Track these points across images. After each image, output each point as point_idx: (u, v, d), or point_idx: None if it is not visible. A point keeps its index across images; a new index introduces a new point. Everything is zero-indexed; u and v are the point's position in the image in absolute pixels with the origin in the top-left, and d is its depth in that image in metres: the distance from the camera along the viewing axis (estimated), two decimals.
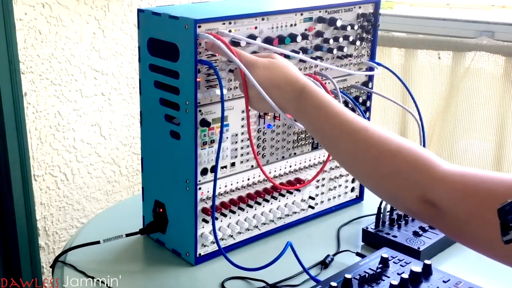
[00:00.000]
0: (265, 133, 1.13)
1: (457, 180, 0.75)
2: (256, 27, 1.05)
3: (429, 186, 0.77)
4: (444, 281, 0.93)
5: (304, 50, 1.11)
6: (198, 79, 0.99)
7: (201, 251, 1.09)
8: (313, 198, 1.25)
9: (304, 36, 1.11)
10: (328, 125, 0.88)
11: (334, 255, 1.11)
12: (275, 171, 1.17)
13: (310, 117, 0.91)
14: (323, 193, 1.27)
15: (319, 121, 0.90)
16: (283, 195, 1.19)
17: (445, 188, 0.75)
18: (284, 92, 0.94)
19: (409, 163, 0.79)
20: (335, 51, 1.16)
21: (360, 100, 1.26)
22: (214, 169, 1.04)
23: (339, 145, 0.88)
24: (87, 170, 1.90)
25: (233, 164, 1.10)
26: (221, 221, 1.10)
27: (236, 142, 1.09)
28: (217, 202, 1.09)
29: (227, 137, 1.07)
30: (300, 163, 1.21)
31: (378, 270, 0.95)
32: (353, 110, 1.22)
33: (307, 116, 0.91)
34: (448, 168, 0.77)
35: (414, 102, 1.22)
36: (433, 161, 0.78)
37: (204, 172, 1.05)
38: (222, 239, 1.11)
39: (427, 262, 0.96)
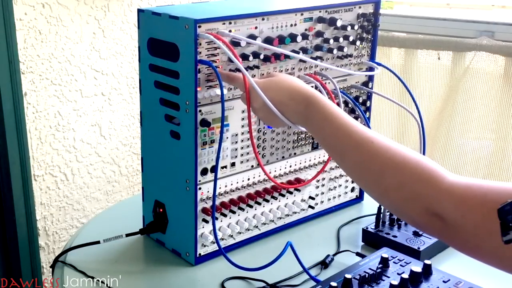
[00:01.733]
0: (265, 133, 1.13)
1: (462, 191, 0.75)
2: (256, 27, 1.05)
3: (435, 198, 0.76)
4: (444, 281, 0.94)
5: (304, 50, 1.11)
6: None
7: (201, 251, 1.09)
8: (313, 198, 1.25)
9: (304, 36, 1.11)
10: (333, 137, 0.89)
11: (334, 255, 1.11)
12: (275, 171, 1.17)
13: (317, 129, 0.92)
14: (323, 193, 1.27)
15: (325, 133, 0.90)
16: (283, 195, 1.19)
17: (450, 200, 0.75)
18: (289, 108, 0.95)
19: (414, 176, 0.79)
20: (335, 51, 1.16)
21: (360, 100, 1.26)
22: (214, 169, 1.04)
23: (345, 157, 0.88)
24: (87, 170, 1.90)
25: (233, 164, 1.10)
26: (221, 221, 1.10)
27: (236, 142, 1.09)
28: (217, 202, 1.09)
29: (227, 137, 1.07)
30: (300, 163, 1.21)
31: (378, 270, 0.95)
32: (353, 110, 1.23)
33: (314, 128, 0.92)
34: (453, 179, 0.77)
35: (414, 102, 1.22)
36: (438, 173, 0.78)
37: (204, 172, 1.05)
38: (222, 239, 1.11)
39: (427, 262, 0.96)
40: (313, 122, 0.92)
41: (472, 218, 0.73)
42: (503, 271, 0.73)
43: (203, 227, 1.08)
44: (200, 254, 1.09)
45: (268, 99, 0.95)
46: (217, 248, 1.06)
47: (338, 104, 1.16)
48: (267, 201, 1.16)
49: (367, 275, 0.93)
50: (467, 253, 0.77)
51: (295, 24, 1.10)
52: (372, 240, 1.15)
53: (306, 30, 1.12)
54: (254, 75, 1.07)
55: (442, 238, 0.80)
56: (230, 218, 1.11)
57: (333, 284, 0.89)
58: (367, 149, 0.84)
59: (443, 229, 0.77)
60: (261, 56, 1.05)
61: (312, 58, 1.13)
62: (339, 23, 1.14)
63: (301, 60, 1.12)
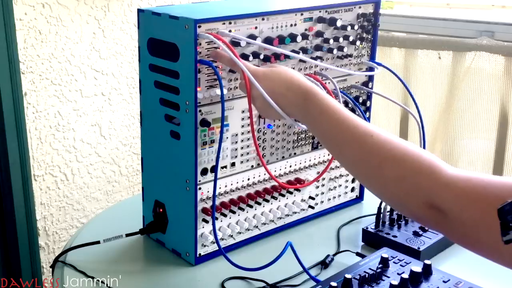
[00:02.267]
0: (265, 133, 1.13)
1: (462, 185, 0.74)
2: (256, 27, 1.05)
3: (435, 192, 0.76)
4: (444, 281, 0.93)
5: (304, 50, 1.11)
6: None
7: (201, 251, 1.09)
8: (313, 198, 1.25)
9: (304, 36, 1.11)
10: (332, 132, 0.88)
11: (334, 255, 1.11)
12: (275, 171, 1.17)
13: (315, 123, 0.91)
14: (323, 193, 1.27)
15: (323, 128, 0.90)
16: (283, 195, 1.19)
17: (450, 193, 0.75)
18: (287, 100, 0.94)
19: (414, 169, 0.79)
20: (335, 51, 1.16)
21: (360, 100, 1.26)
22: (214, 169, 1.04)
23: (344, 151, 0.88)
24: (87, 170, 1.90)
25: (233, 164, 1.10)
26: (221, 221, 1.10)
27: (236, 142, 1.09)
28: (217, 202, 1.09)
29: (227, 137, 1.07)
30: (300, 163, 1.21)
31: (378, 270, 0.95)
32: (353, 110, 1.23)
33: (312, 122, 0.92)
34: (453, 173, 0.77)
35: (414, 102, 1.22)
36: (438, 166, 0.78)
37: (204, 172, 1.05)
38: (222, 239, 1.11)
39: (427, 262, 0.96)
40: (311, 115, 0.91)
41: (471, 212, 0.73)
42: (502, 266, 0.73)
43: (203, 227, 1.08)
44: (200, 254, 1.09)
45: (267, 88, 0.94)
46: (217, 248, 1.06)
47: None
48: (267, 201, 1.16)
49: (367, 275, 0.93)
50: (466, 246, 0.77)
51: (295, 24, 1.10)
52: (372, 240, 1.15)
53: (306, 30, 1.12)
54: None
55: (441, 231, 0.80)
56: (230, 218, 1.11)
57: (333, 284, 0.89)
58: (366, 143, 0.84)
59: (443, 222, 0.76)
60: (261, 56, 1.05)
61: (312, 58, 1.13)
62: (339, 23, 1.14)
63: (301, 60, 1.12)
